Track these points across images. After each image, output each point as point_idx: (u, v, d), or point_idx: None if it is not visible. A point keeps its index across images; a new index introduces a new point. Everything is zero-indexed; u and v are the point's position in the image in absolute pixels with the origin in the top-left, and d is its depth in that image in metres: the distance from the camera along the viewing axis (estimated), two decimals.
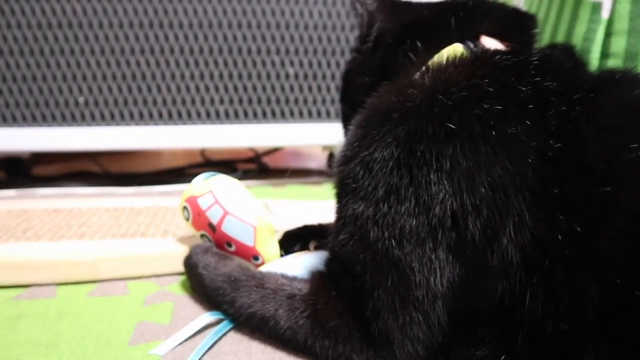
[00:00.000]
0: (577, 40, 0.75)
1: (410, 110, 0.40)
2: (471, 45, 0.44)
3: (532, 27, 0.49)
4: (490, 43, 0.45)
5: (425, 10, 0.50)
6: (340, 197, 0.44)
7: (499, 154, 0.36)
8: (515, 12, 0.50)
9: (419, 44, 0.46)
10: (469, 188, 0.36)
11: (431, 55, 0.44)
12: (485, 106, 0.37)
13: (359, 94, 0.49)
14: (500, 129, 0.37)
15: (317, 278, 0.46)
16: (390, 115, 0.41)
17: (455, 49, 0.44)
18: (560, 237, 0.33)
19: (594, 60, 0.74)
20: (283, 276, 0.49)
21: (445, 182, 0.37)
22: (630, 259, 0.31)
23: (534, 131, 0.36)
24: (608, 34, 0.73)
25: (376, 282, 0.39)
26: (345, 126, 0.50)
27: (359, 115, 0.45)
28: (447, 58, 0.43)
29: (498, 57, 0.41)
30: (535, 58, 0.40)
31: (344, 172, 0.43)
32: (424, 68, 0.44)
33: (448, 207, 0.37)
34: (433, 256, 0.37)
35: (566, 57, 0.44)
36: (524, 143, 0.36)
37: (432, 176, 0.37)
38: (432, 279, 0.37)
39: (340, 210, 0.43)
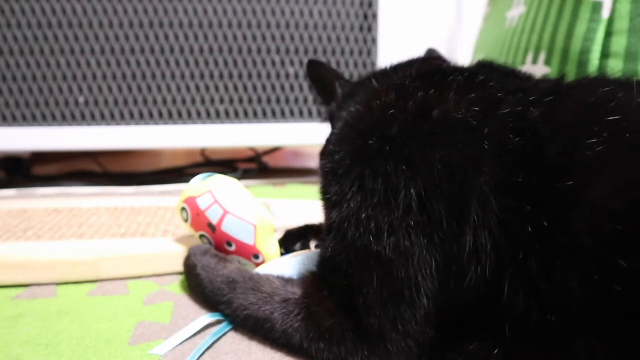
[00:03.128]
0: (577, 40, 0.75)
1: (354, 118, 0.46)
2: None
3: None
4: None
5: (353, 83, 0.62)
6: (323, 212, 0.47)
7: (445, 134, 0.38)
8: (427, 59, 0.60)
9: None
10: (425, 167, 0.38)
11: None
12: (420, 94, 0.41)
13: None
14: (441, 110, 0.39)
15: (310, 280, 0.46)
16: (342, 131, 0.47)
17: None
18: (530, 229, 0.33)
19: (594, 60, 0.74)
20: (278, 280, 0.49)
21: (404, 167, 0.38)
22: (604, 254, 0.30)
23: (485, 118, 0.37)
24: (608, 34, 0.72)
25: (364, 279, 0.40)
26: None
27: None
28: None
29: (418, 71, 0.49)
30: (452, 67, 0.47)
31: (320, 191, 0.47)
32: None
33: (412, 190, 0.38)
34: (408, 243, 0.38)
35: (491, 68, 0.48)
36: (474, 127, 0.37)
37: (390, 162, 0.39)
38: (411, 269, 0.38)
39: (324, 223, 0.46)
